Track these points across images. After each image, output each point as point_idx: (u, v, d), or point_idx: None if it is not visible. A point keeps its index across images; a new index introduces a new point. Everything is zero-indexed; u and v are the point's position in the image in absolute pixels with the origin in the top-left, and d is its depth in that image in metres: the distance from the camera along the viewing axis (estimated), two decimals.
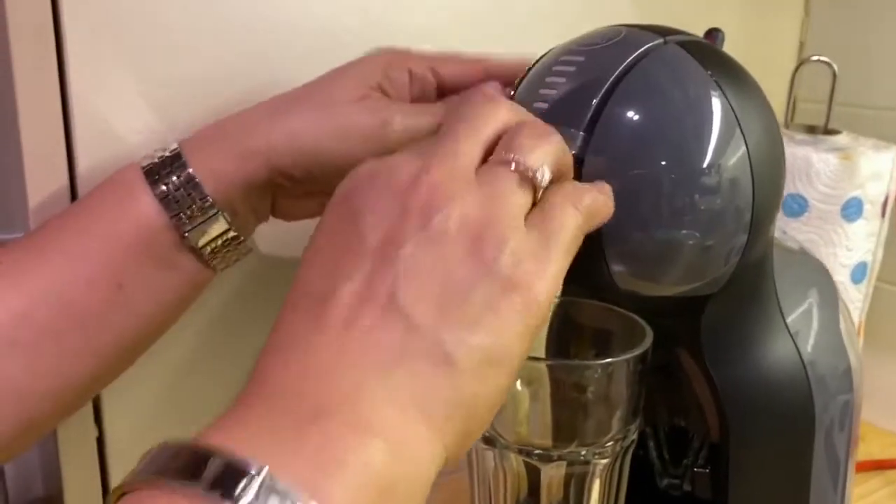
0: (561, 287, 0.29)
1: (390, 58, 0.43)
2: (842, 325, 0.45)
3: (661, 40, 0.37)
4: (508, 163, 0.29)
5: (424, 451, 0.25)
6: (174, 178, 0.39)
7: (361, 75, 0.41)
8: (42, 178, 0.44)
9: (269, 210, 0.44)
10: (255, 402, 0.25)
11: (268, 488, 0.21)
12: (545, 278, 0.27)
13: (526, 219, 0.29)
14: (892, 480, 0.66)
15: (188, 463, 0.22)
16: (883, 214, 0.63)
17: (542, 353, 0.47)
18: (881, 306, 0.70)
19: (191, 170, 0.39)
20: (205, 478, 0.21)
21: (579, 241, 0.30)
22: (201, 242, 0.40)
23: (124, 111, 0.46)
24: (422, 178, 0.27)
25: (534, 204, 0.30)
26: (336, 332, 0.25)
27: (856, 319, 0.66)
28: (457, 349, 0.25)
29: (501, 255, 0.27)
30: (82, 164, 0.45)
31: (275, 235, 0.47)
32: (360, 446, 0.23)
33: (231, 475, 0.21)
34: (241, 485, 0.21)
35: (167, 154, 0.40)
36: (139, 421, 0.50)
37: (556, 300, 0.47)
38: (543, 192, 0.30)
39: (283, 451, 0.22)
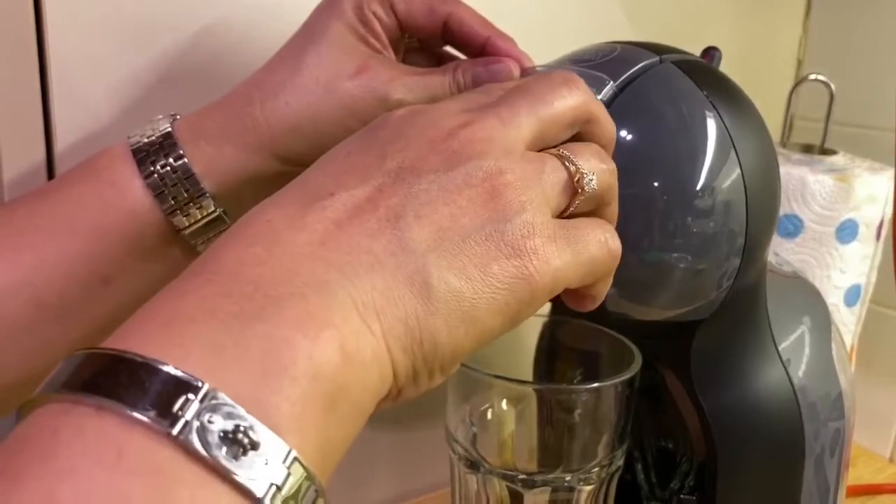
0: (555, 293, 0.27)
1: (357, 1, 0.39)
2: (834, 352, 0.45)
3: (656, 59, 0.37)
4: (562, 157, 0.28)
5: (375, 366, 0.23)
6: (168, 166, 0.37)
7: (345, 37, 0.38)
8: (17, 144, 0.43)
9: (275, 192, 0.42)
10: (196, 284, 0.23)
11: (208, 407, 0.19)
12: (548, 265, 0.26)
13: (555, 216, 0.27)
14: None
15: (115, 375, 0.19)
16: (878, 237, 0.63)
17: (529, 374, 0.47)
18: (874, 329, 0.70)
19: (186, 160, 0.37)
20: (135, 394, 0.19)
21: (588, 272, 0.28)
22: (193, 232, 0.38)
23: (103, 70, 0.44)
24: (460, 132, 0.26)
25: (564, 214, 0.28)
26: (320, 229, 0.24)
27: (849, 342, 0.65)
28: (438, 283, 0.24)
29: (516, 219, 0.26)
30: (60, 139, 0.44)
31: None
32: (311, 348, 0.21)
33: (167, 393, 0.19)
34: (179, 403, 0.19)
35: (158, 135, 0.37)
36: None
37: (544, 318, 0.47)
38: (580, 208, 0.28)
39: (224, 358, 0.20)
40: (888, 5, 0.72)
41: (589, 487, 0.40)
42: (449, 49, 0.43)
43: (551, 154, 0.28)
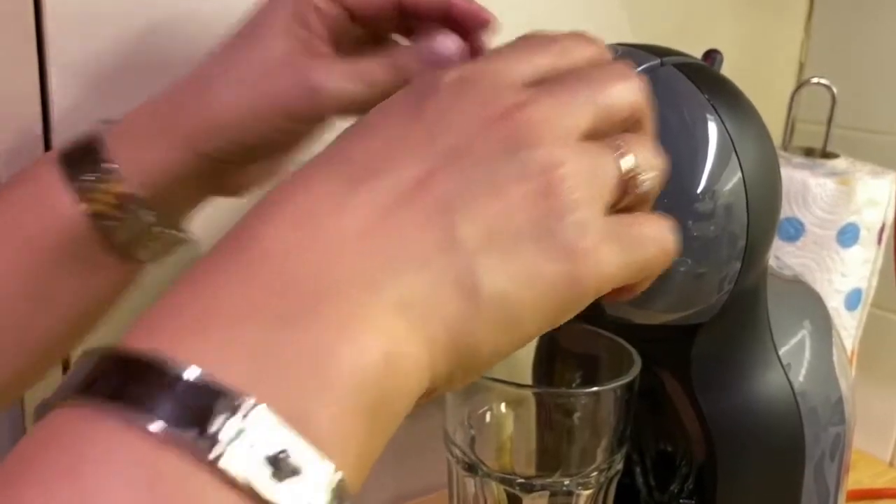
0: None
1: None
2: (834, 356, 0.45)
3: (657, 61, 0.36)
4: (619, 151, 0.26)
5: (415, 371, 0.22)
6: (93, 169, 0.36)
7: (279, 31, 0.36)
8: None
9: (212, 191, 0.40)
10: (231, 270, 0.21)
11: (249, 426, 0.18)
12: (597, 267, 0.24)
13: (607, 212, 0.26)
14: None
15: (146, 384, 0.18)
16: (879, 241, 0.62)
17: (528, 377, 0.46)
18: (875, 333, 0.69)
19: (112, 162, 0.36)
20: (172, 410, 0.17)
21: (639, 270, 0.26)
22: (127, 239, 0.37)
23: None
24: (515, 113, 0.24)
25: (614, 208, 0.26)
26: (366, 216, 0.22)
27: (849, 346, 0.65)
28: (487, 286, 0.23)
29: (569, 218, 0.24)
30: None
31: (213, 219, 0.43)
32: (357, 357, 0.20)
33: (206, 409, 0.18)
34: (218, 422, 0.17)
35: (85, 139, 0.36)
36: None
37: None
38: (631, 203, 0.27)
39: (266, 368, 0.19)
40: (890, 8, 0.72)
41: (588, 492, 0.40)
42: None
43: (607, 146, 0.26)
